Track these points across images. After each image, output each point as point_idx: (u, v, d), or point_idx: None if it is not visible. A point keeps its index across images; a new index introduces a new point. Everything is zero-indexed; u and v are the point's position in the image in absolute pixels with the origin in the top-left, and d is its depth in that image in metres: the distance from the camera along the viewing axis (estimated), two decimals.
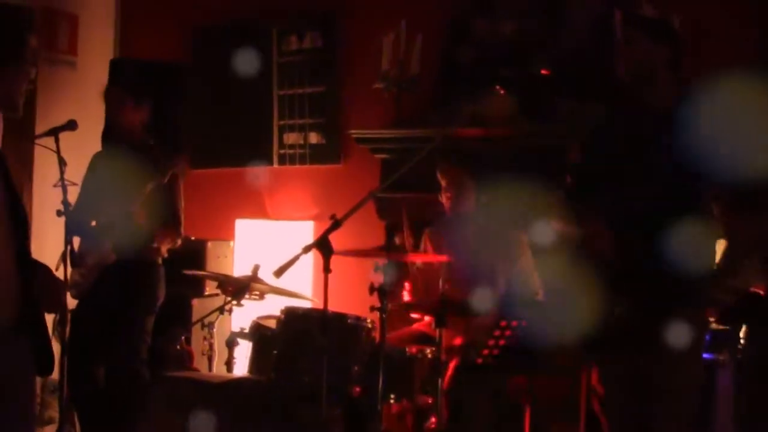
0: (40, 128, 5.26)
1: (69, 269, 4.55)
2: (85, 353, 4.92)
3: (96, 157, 5.27)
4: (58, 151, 4.59)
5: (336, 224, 3.69)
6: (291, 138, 6.08)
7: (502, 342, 3.96)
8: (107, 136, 5.49)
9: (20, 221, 3.02)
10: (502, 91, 3.96)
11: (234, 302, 4.84)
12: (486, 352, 4.00)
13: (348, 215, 3.73)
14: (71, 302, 4.74)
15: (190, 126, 6.12)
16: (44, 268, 3.03)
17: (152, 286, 5.05)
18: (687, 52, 3.85)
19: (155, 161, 4.87)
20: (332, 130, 5.90)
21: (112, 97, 5.14)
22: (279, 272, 3.69)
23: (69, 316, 4.69)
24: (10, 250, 2.99)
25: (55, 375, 5.62)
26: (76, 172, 4.93)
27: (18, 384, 3.04)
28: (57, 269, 4.51)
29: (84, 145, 5.26)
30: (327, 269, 3.72)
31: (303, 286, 5.43)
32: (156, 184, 4.76)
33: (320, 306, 4.16)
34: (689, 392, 3.59)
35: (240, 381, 4.48)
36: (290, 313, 4.45)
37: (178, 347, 5.36)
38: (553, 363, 4.03)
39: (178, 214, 5.10)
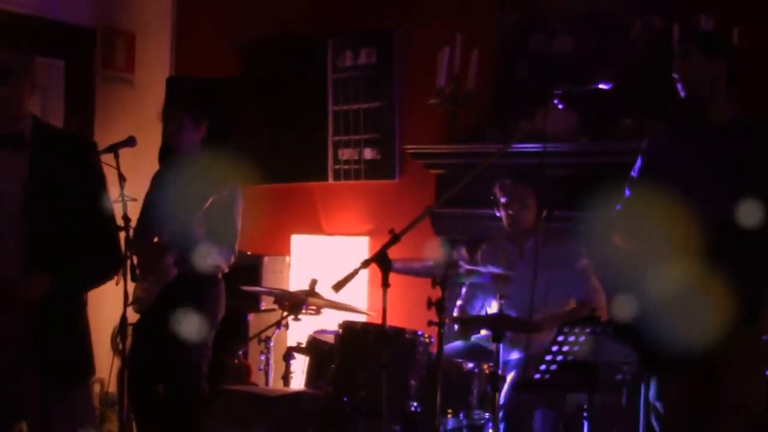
0: (98, 145, 5.33)
1: (130, 284, 4.61)
2: (146, 367, 4.97)
3: (157, 176, 5.34)
4: (117, 168, 4.64)
5: (395, 239, 3.70)
6: (346, 153, 6.11)
7: (560, 357, 3.93)
8: (164, 155, 5.56)
9: (40, 228, 3.11)
10: (560, 107, 3.94)
11: (291, 317, 4.88)
12: (543, 367, 3.97)
13: (406, 230, 3.74)
14: (132, 316, 4.79)
15: (246, 142, 6.17)
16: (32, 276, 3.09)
17: (213, 302, 5.09)
18: (746, 64, 3.82)
19: (212, 177, 4.92)
20: (387, 146, 5.91)
21: (170, 117, 5.19)
22: (338, 287, 3.69)
23: (130, 329, 4.73)
24: (16, 257, 3.10)
25: (114, 388, 5.72)
26: (134, 188, 4.99)
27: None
28: (117, 283, 4.57)
29: (142, 161, 5.32)
30: (385, 284, 3.72)
31: (358, 301, 5.45)
32: (214, 200, 4.80)
33: (377, 320, 4.17)
34: (752, 410, 3.56)
35: (298, 395, 4.51)
36: (348, 328, 4.46)
37: (236, 361, 5.40)
38: (612, 379, 3.99)
39: (234, 232, 5.14)
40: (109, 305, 4.80)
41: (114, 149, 4.72)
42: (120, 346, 4.53)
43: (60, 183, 3.15)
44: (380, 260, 3.70)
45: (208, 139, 5.28)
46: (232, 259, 5.14)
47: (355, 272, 3.69)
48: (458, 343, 4.96)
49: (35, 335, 3.12)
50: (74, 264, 3.17)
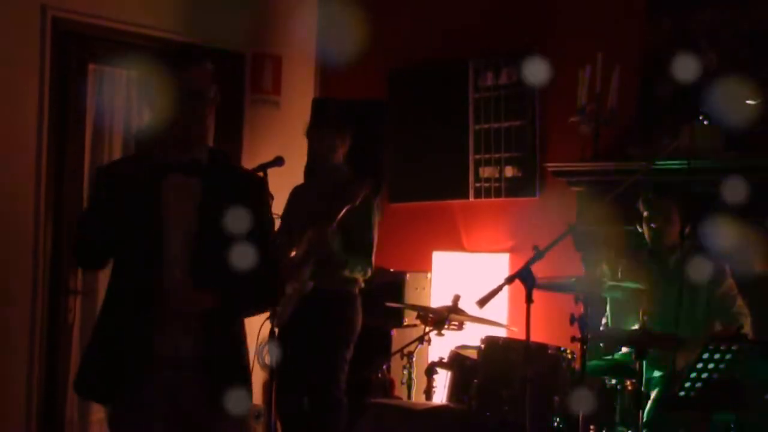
0: (246, 164, 5.52)
1: None
2: (289, 381, 5.10)
3: (295, 190, 5.50)
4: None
5: (539, 255, 3.73)
6: (487, 171, 6.14)
7: (704, 375, 3.89)
8: (311, 171, 5.72)
9: (209, 250, 3.20)
10: (706, 123, 3.92)
11: (434, 332, 4.94)
12: (688, 384, 3.94)
13: (550, 247, 3.77)
14: None
15: (390, 161, 6.28)
16: None
17: (350, 318, 5.21)
18: None
19: (349, 187, 5.06)
20: (528, 164, 5.93)
21: (322, 137, 5.35)
22: (482, 302, 3.73)
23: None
24: (186, 275, 3.20)
25: (260, 401, 5.88)
26: (279, 205, 5.13)
27: None
28: None
29: (287, 179, 5.46)
30: (529, 299, 3.74)
31: (499, 316, 5.47)
32: (350, 210, 4.94)
33: (518, 336, 4.19)
34: None
35: (443, 408, 4.57)
36: (491, 343, 4.51)
37: (380, 376, 5.49)
38: (760, 398, 3.93)
39: (370, 243, 5.24)
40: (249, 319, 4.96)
41: (263, 169, 4.88)
42: (266, 360, 4.68)
43: (230, 211, 3.21)
44: (524, 276, 3.74)
45: (356, 158, 5.43)
46: (369, 272, 5.24)
47: (500, 288, 3.73)
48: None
49: (207, 357, 3.20)
50: (237, 288, 3.23)
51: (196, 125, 3.25)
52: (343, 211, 5.01)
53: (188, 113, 3.20)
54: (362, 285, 5.32)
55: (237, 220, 3.20)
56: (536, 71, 5.59)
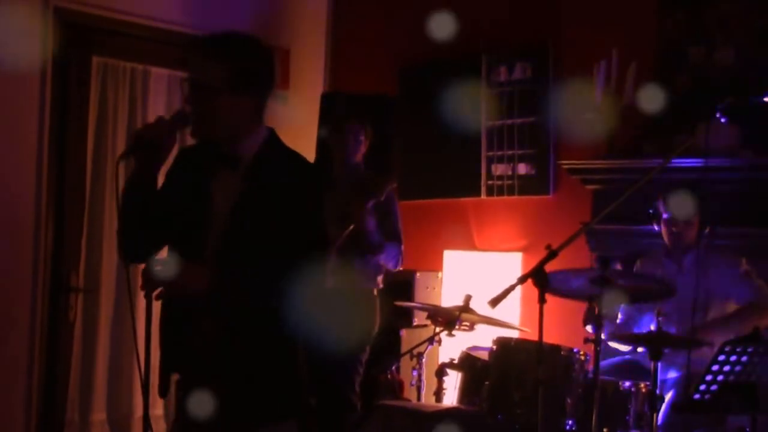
0: None
1: None
2: None
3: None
4: None
5: (552, 255, 3.65)
6: (499, 169, 6.06)
7: (720, 377, 3.81)
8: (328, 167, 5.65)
9: (238, 249, 3.07)
10: (722, 120, 3.83)
11: (446, 332, 4.87)
12: (703, 387, 3.85)
13: (563, 246, 3.69)
14: None
15: (400, 158, 6.21)
16: None
17: (367, 318, 5.14)
18: None
19: (371, 183, 5.00)
20: (542, 161, 5.85)
21: (353, 131, 5.28)
22: (494, 302, 3.66)
23: None
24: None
25: None
26: None
27: None
28: None
29: None
30: (542, 300, 3.66)
31: (511, 317, 5.41)
32: (375, 203, 4.88)
33: (530, 336, 4.11)
34: None
35: (453, 411, 4.49)
36: (503, 344, 4.43)
37: (389, 377, 5.43)
38: None
39: (400, 235, 5.20)
40: None
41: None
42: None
43: (271, 207, 3.02)
44: (537, 276, 3.66)
45: (365, 155, 5.37)
46: (401, 263, 5.19)
47: (512, 288, 3.65)
48: (614, 359, 4.88)
49: (250, 364, 3.05)
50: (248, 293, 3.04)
51: (204, 119, 3.02)
52: (370, 204, 4.97)
53: (192, 106, 3.03)
54: (381, 286, 5.27)
55: (268, 226, 3.01)
56: None
